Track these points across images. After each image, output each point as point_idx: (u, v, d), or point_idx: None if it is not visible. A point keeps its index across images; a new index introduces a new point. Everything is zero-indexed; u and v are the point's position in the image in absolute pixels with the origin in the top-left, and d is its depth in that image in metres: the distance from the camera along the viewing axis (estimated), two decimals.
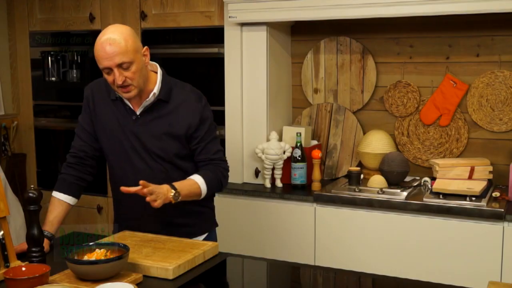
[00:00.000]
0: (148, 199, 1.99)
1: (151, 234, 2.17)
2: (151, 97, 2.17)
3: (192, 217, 2.32)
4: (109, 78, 2.08)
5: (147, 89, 2.17)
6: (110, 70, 2.05)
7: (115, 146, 2.24)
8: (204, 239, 2.35)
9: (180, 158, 2.23)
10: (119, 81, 2.05)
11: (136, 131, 2.20)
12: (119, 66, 2.04)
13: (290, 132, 3.35)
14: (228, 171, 2.33)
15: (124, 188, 2.02)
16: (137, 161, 2.21)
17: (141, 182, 1.99)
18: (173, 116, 2.19)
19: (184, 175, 2.22)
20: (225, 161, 2.33)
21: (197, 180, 2.18)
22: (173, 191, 2.07)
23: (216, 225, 2.45)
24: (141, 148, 2.20)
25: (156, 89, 2.18)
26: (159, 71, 2.24)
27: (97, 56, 2.05)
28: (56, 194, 2.23)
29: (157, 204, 2.01)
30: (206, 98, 2.29)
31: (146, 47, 2.14)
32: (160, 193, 2.02)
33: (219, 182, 2.27)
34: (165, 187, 2.06)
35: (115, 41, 2.02)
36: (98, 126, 2.27)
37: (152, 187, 2.00)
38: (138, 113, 2.20)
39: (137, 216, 2.28)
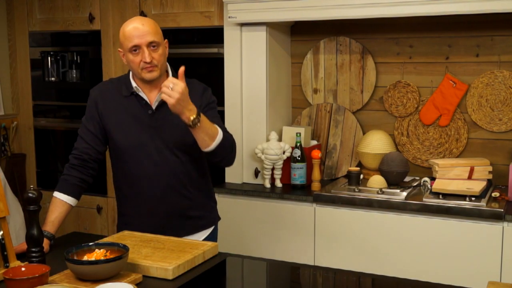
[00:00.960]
0: (181, 76, 2.03)
1: (151, 234, 2.17)
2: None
3: (202, 210, 2.39)
4: (136, 58, 2.17)
5: (162, 82, 2.20)
6: (138, 48, 2.15)
7: (132, 141, 2.26)
8: (212, 231, 2.44)
9: (196, 148, 2.23)
10: (148, 59, 2.14)
11: (153, 125, 2.25)
12: (149, 44, 2.15)
13: (289, 132, 3.35)
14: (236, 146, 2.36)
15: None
16: (155, 154, 2.25)
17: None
18: None
19: (199, 167, 2.33)
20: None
21: (217, 127, 2.19)
22: (195, 114, 2.05)
23: (219, 218, 2.53)
24: (159, 140, 2.25)
25: None
26: (169, 68, 2.33)
27: (128, 35, 2.15)
28: (57, 194, 2.23)
29: (175, 98, 2.00)
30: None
31: (166, 39, 2.28)
32: (187, 101, 2.03)
33: (232, 144, 2.27)
34: (193, 105, 2.07)
35: (146, 23, 2.17)
36: (111, 124, 2.29)
37: (187, 90, 2.02)
38: (154, 107, 2.26)
39: (151, 211, 2.31)
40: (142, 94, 2.26)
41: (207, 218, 2.42)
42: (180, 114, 2.05)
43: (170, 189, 2.28)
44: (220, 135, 2.17)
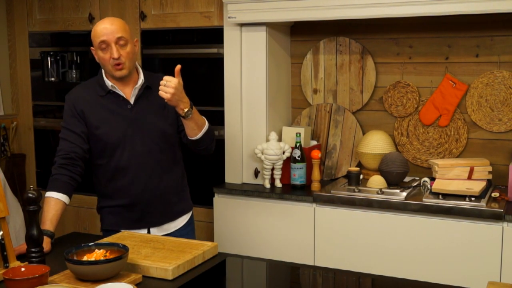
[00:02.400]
0: (177, 77, 2.18)
1: (150, 234, 2.18)
2: (139, 84, 2.39)
3: (180, 195, 2.52)
4: (105, 55, 2.30)
5: (134, 78, 2.40)
6: (107, 46, 2.29)
7: (117, 134, 2.36)
8: (190, 217, 2.58)
9: (173, 137, 2.46)
10: (116, 55, 2.28)
11: (134, 118, 2.37)
12: (117, 41, 2.28)
13: (289, 133, 3.35)
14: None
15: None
16: (139, 144, 2.38)
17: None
18: (162, 100, 2.30)
19: (176, 154, 2.48)
20: None
21: (204, 118, 2.40)
22: (189, 106, 2.25)
23: (192, 204, 2.66)
24: (142, 132, 2.37)
25: (142, 76, 2.41)
26: (137, 65, 2.47)
27: (98, 32, 2.30)
28: (51, 193, 2.24)
29: (170, 93, 2.16)
30: None
31: (136, 38, 2.42)
32: (181, 94, 2.20)
33: (214, 134, 2.46)
34: (187, 99, 2.25)
35: (115, 22, 2.32)
36: (93, 122, 2.36)
37: (177, 85, 2.18)
38: (131, 101, 2.38)
39: (136, 200, 2.40)
40: (118, 91, 2.38)
41: (184, 203, 2.55)
42: (176, 106, 2.23)
43: (154, 176, 2.40)
44: (207, 125, 2.37)
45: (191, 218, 2.60)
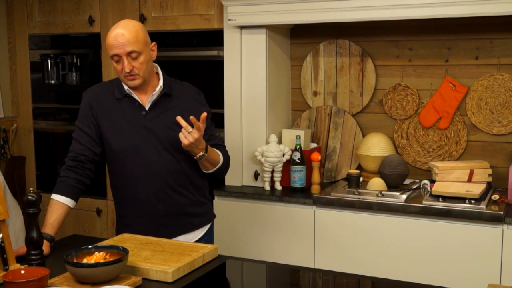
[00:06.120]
0: (196, 129, 2.13)
1: (151, 237, 2.18)
2: (157, 91, 2.31)
3: (199, 207, 2.44)
4: (118, 67, 2.24)
5: (152, 84, 2.32)
6: (119, 58, 2.21)
7: (128, 142, 2.30)
8: (209, 229, 2.49)
9: None
10: (127, 69, 2.21)
11: (148, 125, 2.30)
12: (129, 54, 2.19)
13: (289, 135, 3.36)
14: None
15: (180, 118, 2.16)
16: (151, 153, 2.30)
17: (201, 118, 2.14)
18: (180, 108, 2.29)
19: (195, 166, 2.36)
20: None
21: (219, 154, 2.36)
22: (203, 152, 2.22)
23: (215, 215, 2.57)
24: (155, 140, 2.30)
25: (161, 83, 2.33)
26: (159, 70, 2.39)
27: (109, 44, 2.22)
28: (56, 196, 2.23)
29: (189, 141, 2.14)
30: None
31: (154, 42, 2.32)
32: (199, 142, 2.18)
33: (227, 165, 2.43)
34: (204, 143, 2.22)
35: (127, 32, 2.20)
36: (105, 127, 2.32)
37: (200, 134, 2.16)
38: (147, 108, 2.31)
39: (150, 211, 2.33)
40: (134, 96, 2.31)
41: (204, 215, 2.47)
42: (190, 151, 2.20)
43: (167, 188, 2.33)
44: (220, 162, 2.34)
45: (210, 230, 2.51)
